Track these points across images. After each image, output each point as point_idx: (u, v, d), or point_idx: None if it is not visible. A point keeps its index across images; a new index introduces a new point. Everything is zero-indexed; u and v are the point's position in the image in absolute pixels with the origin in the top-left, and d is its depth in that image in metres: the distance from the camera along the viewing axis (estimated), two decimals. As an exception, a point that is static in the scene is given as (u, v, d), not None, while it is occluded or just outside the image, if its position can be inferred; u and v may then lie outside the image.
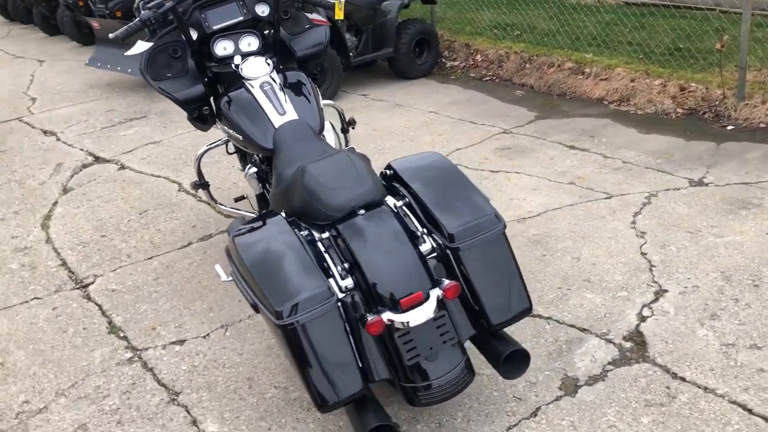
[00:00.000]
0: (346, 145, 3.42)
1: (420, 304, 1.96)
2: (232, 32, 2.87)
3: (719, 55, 4.85)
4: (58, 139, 5.36)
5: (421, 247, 2.09)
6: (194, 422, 2.35)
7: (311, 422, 2.30)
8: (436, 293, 1.99)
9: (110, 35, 2.86)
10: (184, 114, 2.95)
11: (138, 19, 2.84)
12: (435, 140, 4.69)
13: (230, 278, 2.15)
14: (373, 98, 5.77)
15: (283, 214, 2.21)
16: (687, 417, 2.18)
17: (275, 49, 2.96)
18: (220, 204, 3.34)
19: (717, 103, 4.75)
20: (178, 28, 2.82)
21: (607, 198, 3.66)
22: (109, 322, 2.95)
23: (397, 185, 2.29)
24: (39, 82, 7.21)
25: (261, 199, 3.05)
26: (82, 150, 5.07)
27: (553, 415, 2.24)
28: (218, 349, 2.71)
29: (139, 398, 2.48)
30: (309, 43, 3.04)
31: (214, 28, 2.85)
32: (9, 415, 2.45)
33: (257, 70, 2.79)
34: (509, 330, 2.56)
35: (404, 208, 2.20)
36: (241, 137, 2.72)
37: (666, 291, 2.82)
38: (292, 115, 2.68)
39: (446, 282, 2.01)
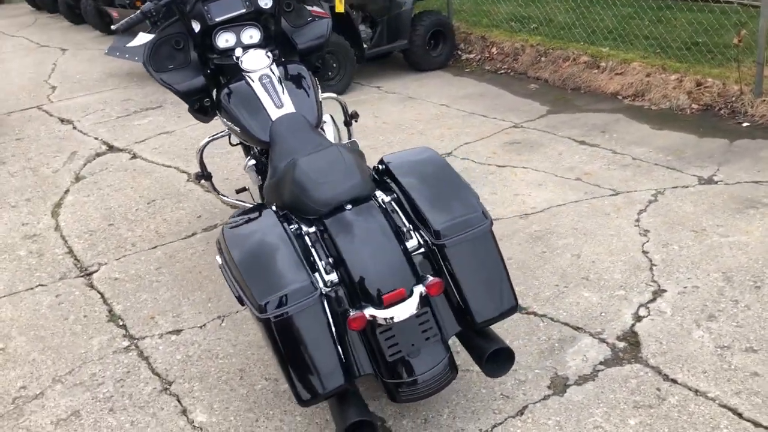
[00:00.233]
0: (349, 138, 3.42)
1: (403, 300, 1.96)
2: (234, 24, 2.88)
3: (736, 50, 4.76)
4: (75, 128, 5.44)
5: (407, 243, 2.08)
6: (184, 412, 2.38)
7: (298, 415, 2.31)
8: (419, 290, 1.99)
9: (112, 26, 2.89)
10: None
11: (139, 10, 2.87)
12: (444, 134, 4.67)
13: None
14: (386, 90, 5.76)
15: (274, 207, 2.22)
16: (675, 420, 2.15)
17: (277, 42, 2.96)
18: (223, 195, 3.36)
19: (733, 99, 4.67)
20: (179, 20, 2.83)
21: (613, 195, 3.62)
22: (110, 311, 2.99)
23: (389, 180, 2.28)
24: (60, 71, 7.31)
25: (262, 190, 3.06)
26: (96, 139, 5.13)
27: (540, 414, 2.23)
28: (213, 339, 2.74)
29: (133, 387, 2.52)
30: (311, 36, 3.04)
31: (217, 20, 2.86)
32: (6, 400, 2.50)
33: (257, 63, 2.80)
34: (501, 327, 2.57)
35: (393, 203, 2.19)
36: (239, 129, 2.74)
37: (665, 291, 2.79)
38: (289, 108, 2.69)
39: (430, 279, 2.00)
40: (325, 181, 2.16)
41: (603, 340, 2.54)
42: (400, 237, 2.08)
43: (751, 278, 2.81)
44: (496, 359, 2.10)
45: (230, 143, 3.24)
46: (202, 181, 3.31)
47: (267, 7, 2.88)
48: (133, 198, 4.07)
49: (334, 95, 3.32)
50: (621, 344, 2.52)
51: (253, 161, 2.95)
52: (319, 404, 2.24)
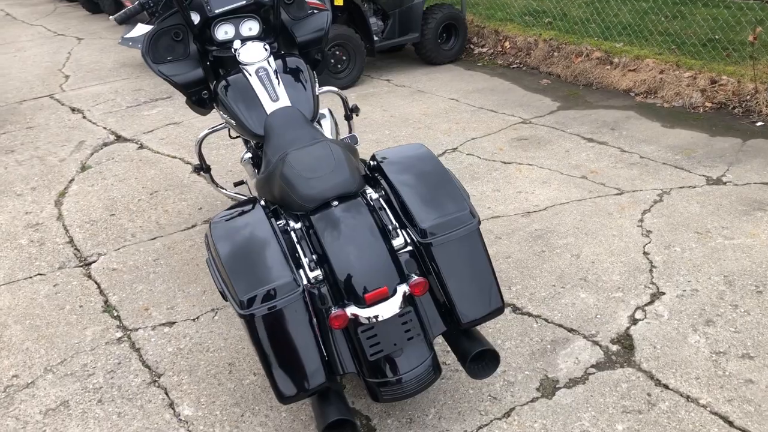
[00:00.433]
0: (350, 132, 3.39)
1: (385, 299, 1.94)
2: (233, 16, 2.86)
3: (752, 48, 4.65)
4: (84, 117, 5.46)
5: (393, 242, 2.06)
6: (171, 405, 2.38)
7: (284, 411, 2.30)
8: (403, 289, 1.96)
9: (110, 17, 2.88)
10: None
11: (137, 2, 2.87)
12: (451, 128, 4.63)
13: None
14: (395, 84, 5.72)
15: (263, 202, 2.21)
16: (664, 426, 2.11)
17: (276, 35, 2.94)
18: (221, 188, 3.36)
19: (748, 97, 4.57)
20: (178, 11, 2.82)
21: (617, 194, 3.56)
22: (105, 301, 3.00)
23: (379, 176, 2.26)
24: (75, 60, 7.36)
25: None
26: (105, 128, 5.15)
27: (526, 417, 2.19)
28: (205, 332, 2.73)
29: (122, 378, 2.52)
30: (310, 29, 3.02)
31: (216, 11, 2.84)
32: (-3, 389, 2.52)
33: (254, 56, 2.77)
34: (494, 327, 2.54)
35: (381, 200, 2.16)
36: (234, 122, 2.72)
37: (663, 294, 2.73)
38: (285, 101, 2.66)
39: (414, 278, 1.98)
40: (312, 176, 2.14)
41: (596, 343, 2.50)
42: (387, 235, 2.06)
43: (753, 282, 2.75)
44: (481, 361, 2.07)
45: (230, 136, 3.23)
46: (201, 173, 3.30)
47: None
48: (137, 188, 4.08)
49: (334, 89, 3.29)
50: (614, 347, 2.47)
51: (249, 154, 2.94)
52: (305, 401, 2.23)
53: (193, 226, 3.58)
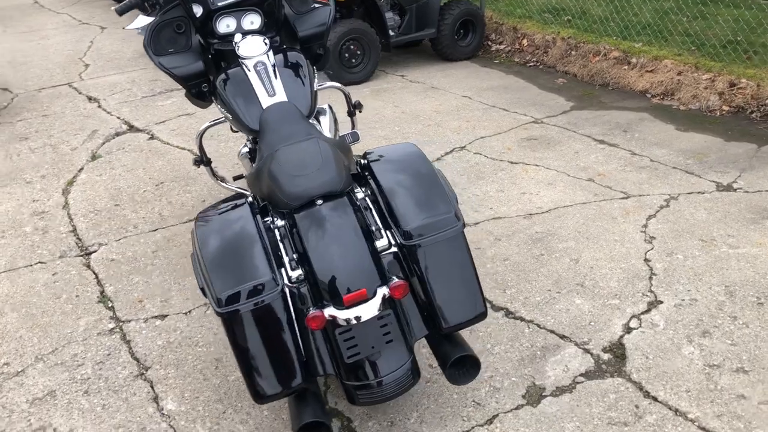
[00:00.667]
0: (352, 128, 3.36)
1: (364, 301, 1.91)
2: (236, 9, 2.84)
3: (773, 51, 4.54)
4: (100, 106, 5.50)
5: (377, 243, 2.03)
6: (155, 399, 2.38)
7: (265, 409, 2.29)
8: (383, 291, 1.94)
9: (112, 8, 2.88)
10: None
11: (137, -7, 2.87)
12: (461, 126, 4.58)
13: None
14: (410, 79, 5.68)
15: (250, 198, 2.19)
16: (649, 440, 2.06)
17: (278, 29, 2.92)
18: (221, 181, 3.35)
19: (767, 101, 4.45)
20: (179, 3, 2.81)
21: (623, 198, 3.49)
22: (101, 292, 3.01)
23: (368, 175, 2.23)
24: (96, 49, 7.42)
25: None
26: (118, 118, 5.19)
27: (509, 425, 2.16)
28: (196, 327, 2.73)
29: (110, 370, 2.53)
30: (312, 24, 2.99)
31: (219, 4, 2.83)
32: (-12, 376, 2.55)
33: (253, 50, 2.75)
34: (485, 330, 2.50)
35: (367, 200, 2.13)
36: (231, 116, 2.71)
37: (660, 302, 2.67)
38: (281, 96, 2.64)
39: (395, 280, 1.95)
40: (298, 174, 2.11)
41: (588, 351, 2.45)
42: (370, 236, 2.03)
43: (755, 294, 2.68)
44: (462, 367, 2.04)
45: (231, 129, 3.22)
46: (201, 166, 3.29)
47: None
48: (143, 179, 4.10)
49: (338, 85, 3.27)
50: (606, 356, 2.42)
51: (246, 148, 2.93)
52: (285, 400, 2.22)
53: (194, 219, 3.57)
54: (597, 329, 2.55)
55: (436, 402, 2.27)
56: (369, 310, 1.91)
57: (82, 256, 3.31)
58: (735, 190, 3.49)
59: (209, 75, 2.91)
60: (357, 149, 3.89)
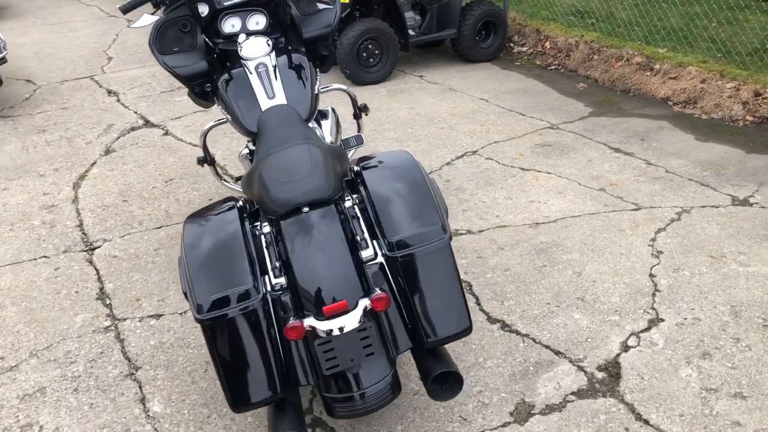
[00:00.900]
0: (358, 131, 3.33)
1: (345, 312, 1.88)
2: (241, 9, 2.83)
3: (800, 61, 4.39)
4: (118, 100, 5.54)
5: (362, 253, 1.99)
6: (142, 400, 2.38)
7: (250, 416, 2.27)
8: (364, 303, 1.90)
9: (118, 6, 2.89)
10: None
11: (142, -9, 2.86)
12: (475, 130, 4.51)
13: None
14: (428, 80, 5.62)
15: (241, 202, 2.17)
16: (636, 465, 2.00)
17: (284, 30, 2.90)
18: (224, 181, 3.35)
19: (793, 113, 4.32)
20: (185, 2, 2.80)
21: (634, 209, 3.40)
22: (101, 289, 3.02)
23: (359, 183, 2.19)
24: (120, 42, 7.49)
25: None
26: (135, 113, 5.22)
27: (494, 443, 2.11)
28: (189, 328, 2.73)
29: (101, 368, 2.54)
30: (317, 25, 2.96)
31: (225, 4, 2.82)
32: (-18, 370, 2.57)
33: (255, 51, 2.73)
34: (478, 343, 2.45)
35: (356, 209, 2.09)
36: (230, 117, 2.69)
37: (662, 320, 2.60)
38: (281, 99, 2.62)
39: (377, 292, 1.91)
40: (286, 180, 2.09)
41: (582, 369, 2.39)
42: (356, 245, 1.99)
43: (761, 315, 2.58)
44: (444, 383, 1.99)
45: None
46: (205, 165, 3.29)
47: None
48: (153, 175, 4.12)
49: (343, 87, 3.23)
50: (600, 375, 2.36)
51: (246, 150, 2.91)
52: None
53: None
54: (593, 346, 2.49)
55: (421, 416, 2.23)
56: (349, 321, 1.87)
57: (85, 251, 3.33)
58: (751, 204, 3.39)
59: (213, 75, 2.90)
60: (364, 151, 3.86)
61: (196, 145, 4.53)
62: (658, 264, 2.94)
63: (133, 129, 4.90)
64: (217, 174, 3.33)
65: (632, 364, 2.39)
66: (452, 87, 5.42)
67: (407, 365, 2.42)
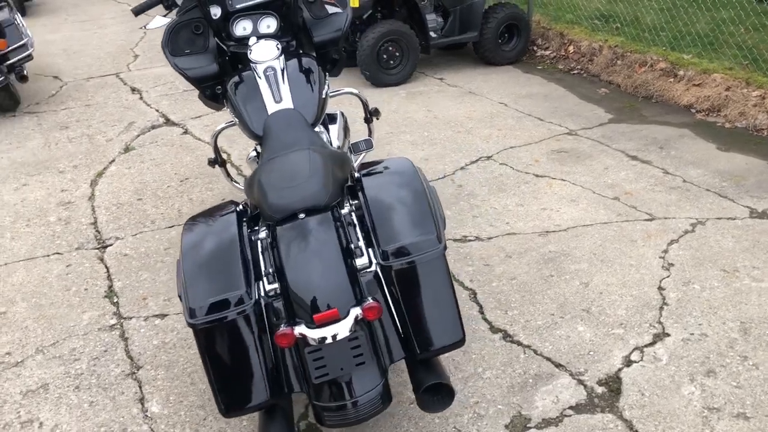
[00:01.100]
0: (369, 136, 3.32)
1: (336, 321, 1.87)
2: (253, 12, 2.84)
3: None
4: (141, 98, 5.61)
5: (357, 261, 1.98)
6: (141, 400, 2.40)
7: (245, 419, 2.28)
8: (356, 312, 1.89)
9: (131, 8, 2.92)
10: None
11: (154, -7, 2.89)
12: (492, 135, 4.48)
13: None
14: (448, 83, 5.59)
15: (241, 206, 2.18)
16: (630, 484, 1.96)
17: (295, 33, 2.90)
18: (235, 182, 3.36)
19: (819, 123, 4.20)
20: (196, 5, 2.82)
21: (647, 220, 3.34)
22: (109, 287, 3.06)
23: (358, 190, 2.18)
24: (148, 40, 7.58)
25: None
26: (157, 111, 5.28)
27: (486, 456, 2.09)
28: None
29: (104, 367, 2.57)
30: (329, 29, 2.96)
31: (237, 6, 2.83)
32: (-11, 364, 2.62)
33: (265, 54, 2.74)
34: (479, 352, 2.43)
35: (353, 216, 2.08)
36: (238, 120, 2.71)
37: (668, 335, 2.55)
38: (288, 103, 2.62)
39: (369, 301, 1.90)
40: (284, 186, 2.09)
41: (582, 382, 2.35)
42: (350, 253, 1.98)
43: (771, 333, 2.52)
44: (436, 394, 1.97)
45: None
46: (216, 167, 3.31)
47: None
48: (170, 174, 4.16)
49: (355, 91, 3.23)
50: (600, 389, 2.32)
51: (254, 153, 2.93)
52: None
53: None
54: (595, 360, 2.45)
55: (416, 425, 2.22)
56: (340, 330, 1.87)
57: (97, 249, 3.38)
58: (769, 217, 3.31)
59: (224, 77, 2.91)
60: (378, 154, 3.85)
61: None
62: (668, 277, 2.89)
63: (153, 127, 4.96)
64: (228, 175, 3.35)
65: (633, 379, 2.35)
66: (472, 90, 5.39)
67: (404, 374, 2.41)
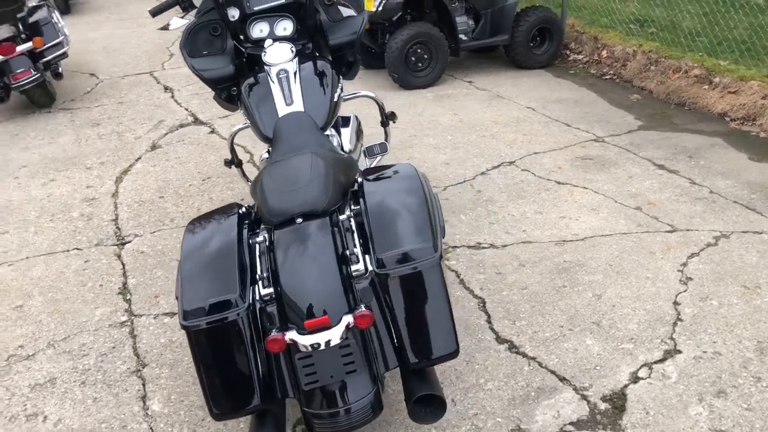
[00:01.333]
0: (385, 139, 3.31)
1: (327, 328, 1.86)
2: (270, 15, 2.85)
3: None
4: (173, 97, 5.69)
5: (353, 267, 1.96)
6: (143, 398, 2.43)
7: (242, 421, 2.28)
8: (347, 320, 1.87)
9: (149, 10, 2.96)
10: None
11: (172, -5, 2.92)
12: (516, 140, 4.42)
13: None
14: (477, 86, 5.53)
15: (244, 209, 2.19)
16: (625, 506, 1.90)
17: (311, 36, 2.90)
18: (251, 182, 3.37)
19: None
20: (214, 7, 2.85)
21: (669, 231, 3.25)
22: (124, 284, 3.11)
23: (360, 195, 2.17)
24: (184, 39, 7.66)
25: None
26: (186, 110, 5.35)
27: (480, 469, 2.05)
28: (200, 328, 2.76)
29: (110, 363, 2.60)
30: (344, 32, 2.95)
31: (255, 9, 2.85)
32: (2, 356, 2.68)
33: (278, 56, 2.75)
34: (482, 362, 2.40)
35: (352, 221, 2.06)
36: (249, 122, 2.72)
37: (679, 352, 2.47)
38: (298, 106, 2.62)
39: (361, 309, 1.88)
40: (284, 190, 2.09)
41: (585, 398, 2.30)
42: (346, 260, 1.97)
43: (789, 354, 2.42)
44: (428, 405, 1.95)
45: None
46: (233, 167, 3.33)
47: None
48: (193, 173, 4.20)
49: (371, 94, 3.21)
50: (603, 406, 2.26)
51: (266, 155, 2.93)
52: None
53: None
54: (601, 374, 2.39)
55: (412, 435, 2.19)
56: (330, 337, 1.85)
57: (116, 245, 3.43)
58: (797, 232, 3.19)
59: (240, 79, 2.93)
60: (399, 157, 3.83)
61: (238, 144, 4.59)
62: (684, 291, 2.80)
63: (181, 126, 5.02)
64: (244, 175, 3.37)
65: (639, 396, 2.28)
66: (500, 94, 5.32)
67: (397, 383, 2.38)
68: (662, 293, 2.80)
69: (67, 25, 6.00)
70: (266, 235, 2.06)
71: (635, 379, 2.36)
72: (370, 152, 3.18)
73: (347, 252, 1.97)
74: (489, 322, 2.69)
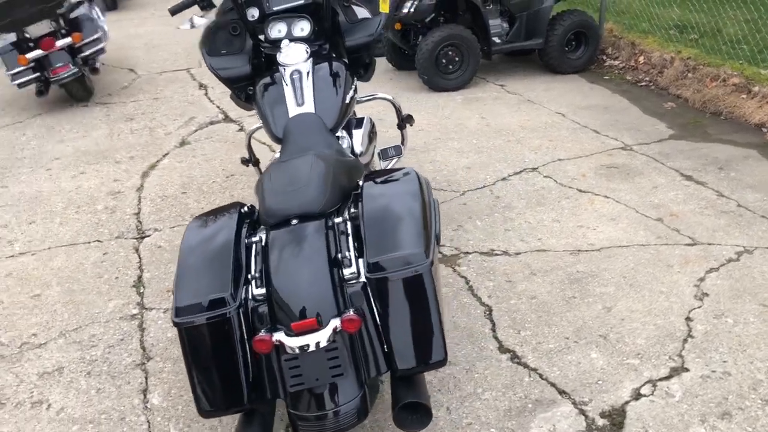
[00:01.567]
0: (402, 142, 3.30)
1: (314, 330, 1.86)
2: (287, 15, 2.87)
3: None
4: (206, 94, 5.78)
5: (345, 271, 1.95)
6: (144, 391, 2.47)
7: (237, 418, 2.29)
8: (335, 323, 1.87)
9: (168, 8, 3.01)
10: None
11: (190, -6, 2.96)
12: (542, 146, 4.35)
13: None
14: (508, 90, 5.47)
15: (246, 208, 2.21)
16: None
17: (329, 37, 2.91)
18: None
19: None
20: (233, 6, 2.87)
21: (689, 245, 3.16)
22: (139, 277, 3.16)
23: (359, 199, 2.16)
24: (224, 37, 7.77)
25: None
26: (218, 107, 5.42)
27: (468, 480, 2.03)
28: (206, 324, 2.79)
29: (117, 355, 2.65)
30: (361, 34, 2.95)
31: (274, 9, 2.87)
32: (15, 343, 2.76)
33: (293, 57, 2.76)
34: (482, 371, 2.37)
35: (347, 224, 2.06)
36: (262, 121, 2.74)
37: (686, 370, 2.40)
38: (309, 107, 2.63)
39: (349, 313, 1.87)
40: (282, 191, 2.10)
41: (583, 412, 2.25)
42: (338, 263, 1.96)
43: (802, 377, 2.33)
44: (414, 412, 1.93)
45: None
46: (249, 166, 3.36)
47: None
48: (217, 170, 4.26)
49: (389, 97, 3.20)
50: (602, 422, 2.21)
51: (278, 154, 2.94)
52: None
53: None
54: (602, 390, 2.33)
55: (403, 441, 2.17)
56: (317, 340, 1.85)
57: (135, 239, 3.50)
58: (826, 250, 3.06)
59: (257, 79, 2.95)
60: (422, 159, 3.81)
61: (264, 143, 4.64)
62: (699, 307, 2.72)
63: (211, 123, 5.09)
64: (260, 174, 3.39)
65: (639, 414, 2.22)
66: (531, 98, 5.25)
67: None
68: (675, 308, 2.72)
69: (106, 21, 6.14)
70: (263, 235, 2.07)
71: (637, 395, 2.30)
72: (384, 155, 3.18)
73: (342, 255, 1.97)
74: (493, 330, 2.66)
